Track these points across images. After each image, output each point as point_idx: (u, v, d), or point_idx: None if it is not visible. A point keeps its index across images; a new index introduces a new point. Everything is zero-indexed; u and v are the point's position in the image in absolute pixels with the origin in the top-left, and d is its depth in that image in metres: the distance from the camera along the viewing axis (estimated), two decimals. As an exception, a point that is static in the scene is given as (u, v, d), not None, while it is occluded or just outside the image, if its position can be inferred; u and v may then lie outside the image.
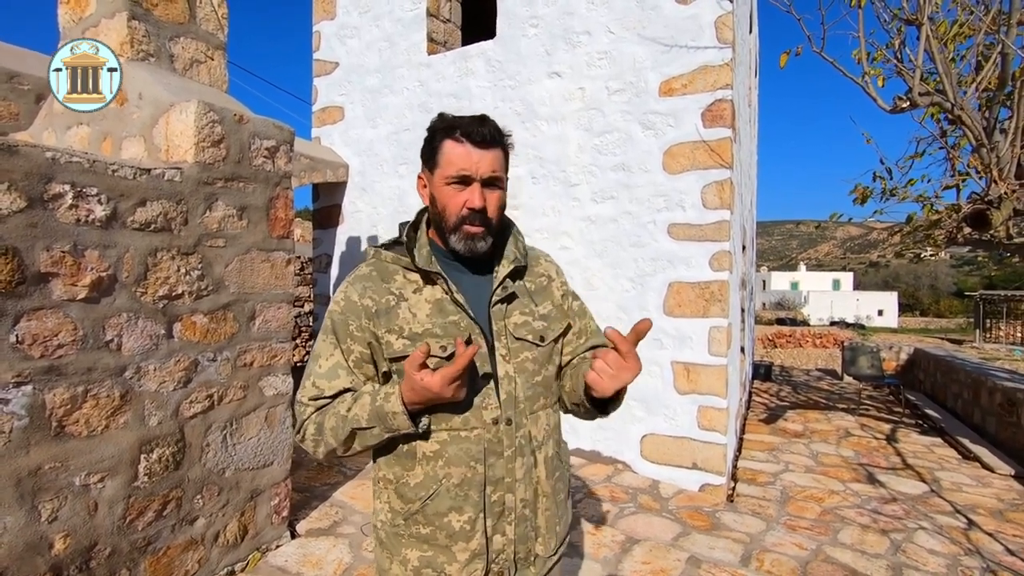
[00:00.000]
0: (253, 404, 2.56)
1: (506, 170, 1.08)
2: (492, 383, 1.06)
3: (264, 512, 2.62)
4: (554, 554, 1.16)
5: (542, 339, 1.12)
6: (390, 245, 1.14)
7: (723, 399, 3.71)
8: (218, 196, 2.39)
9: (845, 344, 9.46)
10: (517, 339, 1.09)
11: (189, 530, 2.28)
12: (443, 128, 1.04)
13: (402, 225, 1.15)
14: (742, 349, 5.76)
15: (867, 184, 4.46)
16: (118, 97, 2.47)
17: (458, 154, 1.01)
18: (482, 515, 1.05)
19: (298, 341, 7.67)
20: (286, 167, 2.70)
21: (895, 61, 3.97)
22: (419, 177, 1.12)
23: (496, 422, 1.05)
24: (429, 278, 1.07)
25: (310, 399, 1.06)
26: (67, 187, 1.86)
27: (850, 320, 34.30)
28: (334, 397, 1.05)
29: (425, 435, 1.04)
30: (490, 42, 4.63)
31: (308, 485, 3.41)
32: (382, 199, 5.30)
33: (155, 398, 2.15)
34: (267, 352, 2.62)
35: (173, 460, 2.21)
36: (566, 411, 1.22)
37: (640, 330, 0.94)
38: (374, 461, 1.15)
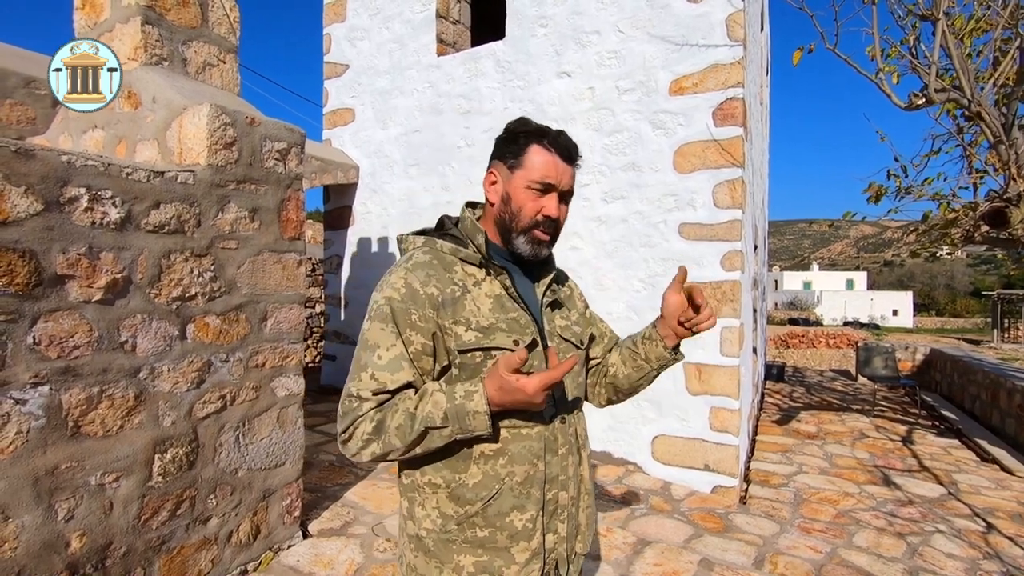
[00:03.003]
0: (265, 404, 2.57)
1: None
2: None
3: (276, 512, 2.64)
4: (585, 553, 1.18)
5: (581, 343, 1.18)
6: (439, 235, 1.12)
7: (735, 400, 3.68)
8: (230, 198, 2.41)
9: (859, 344, 9.35)
10: (565, 340, 1.13)
11: (202, 529, 2.30)
12: (531, 132, 1.06)
13: (446, 218, 1.16)
14: (754, 350, 5.71)
15: (881, 182, 4.41)
16: (132, 100, 2.50)
17: (545, 162, 1.03)
18: (541, 513, 1.04)
19: (309, 342, 7.71)
20: (297, 169, 2.72)
21: (910, 57, 3.92)
22: (490, 172, 1.11)
23: (552, 419, 1.08)
24: (490, 273, 1.07)
25: (373, 393, 0.96)
26: (83, 190, 1.88)
27: (864, 320, 33.90)
28: (394, 392, 0.98)
29: (493, 438, 1.01)
30: (499, 43, 4.63)
31: (320, 485, 3.43)
32: (392, 200, 5.32)
33: (169, 398, 2.17)
34: (279, 353, 2.64)
35: (187, 460, 2.23)
36: (613, 402, 1.29)
37: (681, 277, 1.11)
38: (407, 468, 1.08)
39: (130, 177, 2.02)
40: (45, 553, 1.79)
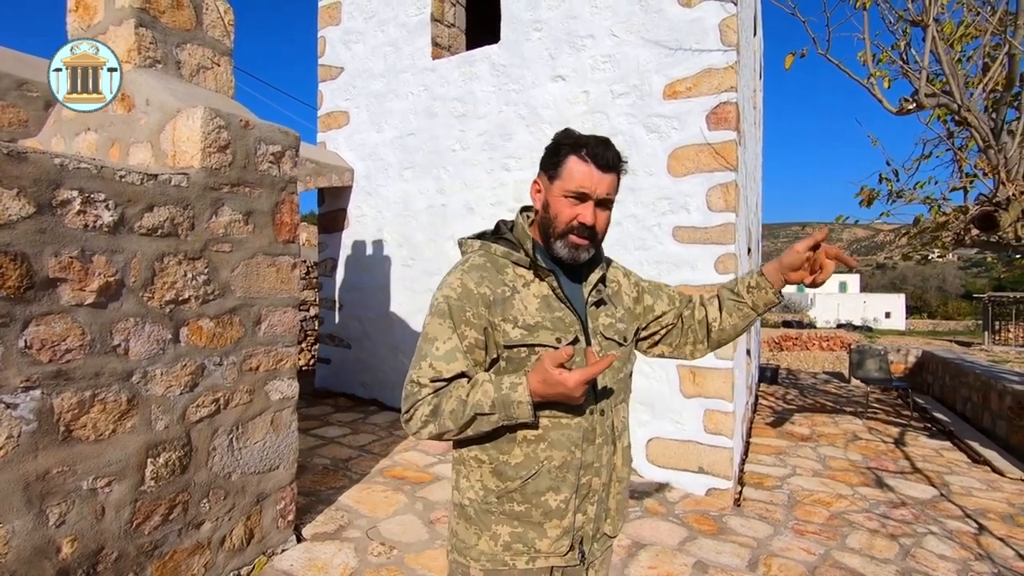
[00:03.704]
0: (259, 408, 2.56)
1: (616, 192, 1.17)
2: None
3: (270, 516, 2.62)
4: (615, 536, 1.26)
5: (625, 339, 1.24)
6: (493, 239, 1.21)
7: (729, 403, 3.69)
8: (224, 201, 2.40)
9: (852, 347, 9.40)
10: (607, 339, 1.20)
11: (195, 534, 2.29)
12: (570, 144, 1.13)
13: (502, 223, 1.27)
14: (748, 352, 5.74)
15: (873, 186, 4.45)
16: (125, 103, 2.49)
17: (581, 172, 1.10)
18: (574, 496, 1.14)
19: (303, 345, 7.68)
20: (291, 172, 2.72)
21: (901, 62, 3.96)
22: (535, 182, 1.20)
23: (592, 412, 1.15)
24: (538, 274, 1.15)
25: (430, 380, 1.08)
26: (75, 193, 1.87)
27: (857, 322, 34.07)
28: (450, 380, 1.09)
29: (535, 425, 1.09)
30: (494, 46, 4.64)
31: (314, 489, 3.41)
32: (387, 203, 5.31)
33: (162, 402, 2.15)
34: (273, 356, 2.63)
35: (180, 464, 2.22)
36: (712, 350, 1.38)
37: (821, 237, 1.19)
38: (458, 444, 1.19)
39: (123, 180, 2.02)
40: (36, 559, 1.77)
